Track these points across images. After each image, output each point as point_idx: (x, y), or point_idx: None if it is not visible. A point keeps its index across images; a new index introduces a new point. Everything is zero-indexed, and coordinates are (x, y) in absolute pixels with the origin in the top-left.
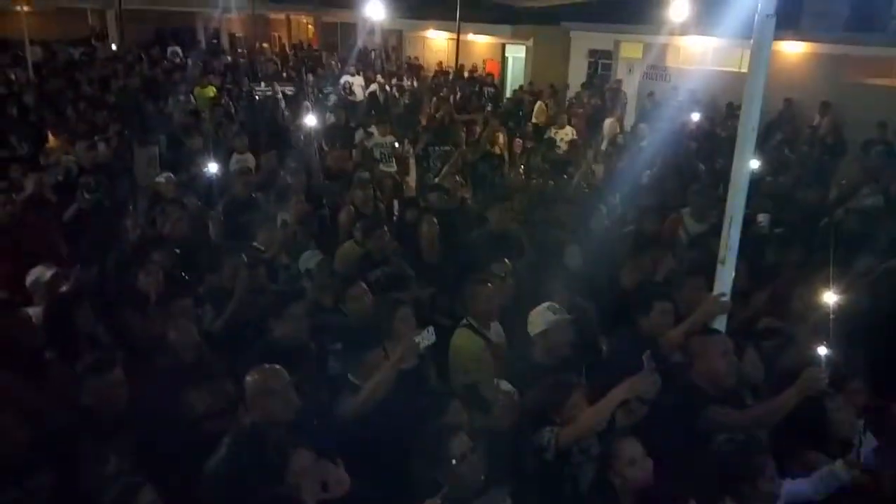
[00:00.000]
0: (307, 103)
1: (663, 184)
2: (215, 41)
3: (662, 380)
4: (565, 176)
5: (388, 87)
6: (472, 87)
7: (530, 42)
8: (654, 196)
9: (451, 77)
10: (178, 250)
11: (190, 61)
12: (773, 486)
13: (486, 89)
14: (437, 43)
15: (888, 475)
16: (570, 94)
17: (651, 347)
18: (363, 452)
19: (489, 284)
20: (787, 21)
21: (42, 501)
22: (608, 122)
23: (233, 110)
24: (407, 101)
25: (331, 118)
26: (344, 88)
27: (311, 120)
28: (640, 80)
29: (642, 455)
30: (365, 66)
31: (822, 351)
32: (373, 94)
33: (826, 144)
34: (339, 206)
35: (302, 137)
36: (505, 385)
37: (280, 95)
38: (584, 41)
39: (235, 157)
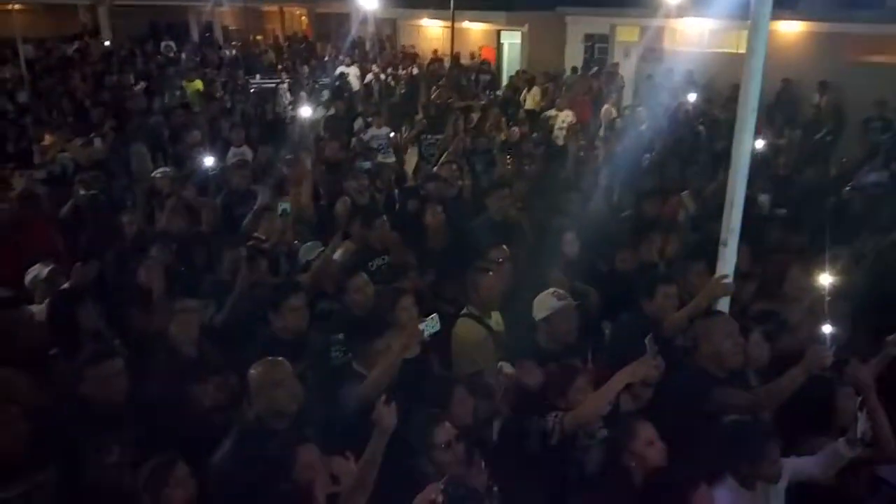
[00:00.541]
0: (303, 94)
1: (662, 167)
2: (208, 34)
3: (666, 363)
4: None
5: (382, 77)
6: (468, 76)
7: (525, 28)
8: (654, 179)
9: (444, 64)
10: (176, 244)
11: (184, 55)
12: (776, 467)
13: (481, 77)
14: (431, 31)
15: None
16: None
17: (654, 331)
18: (365, 442)
19: (490, 273)
20: (784, 0)
21: (48, 494)
22: (605, 107)
23: (228, 104)
24: (403, 91)
25: (331, 109)
26: (339, 79)
27: (307, 111)
28: (637, 64)
29: (657, 437)
30: (360, 56)
31: (827, 329)
32: (368, 84)
33: (826, 123)
34: (337, 197)
35: (298, 129)
36: (507, 367)
37: (286, 89)
38: (579, 26)
39: (232, 150)
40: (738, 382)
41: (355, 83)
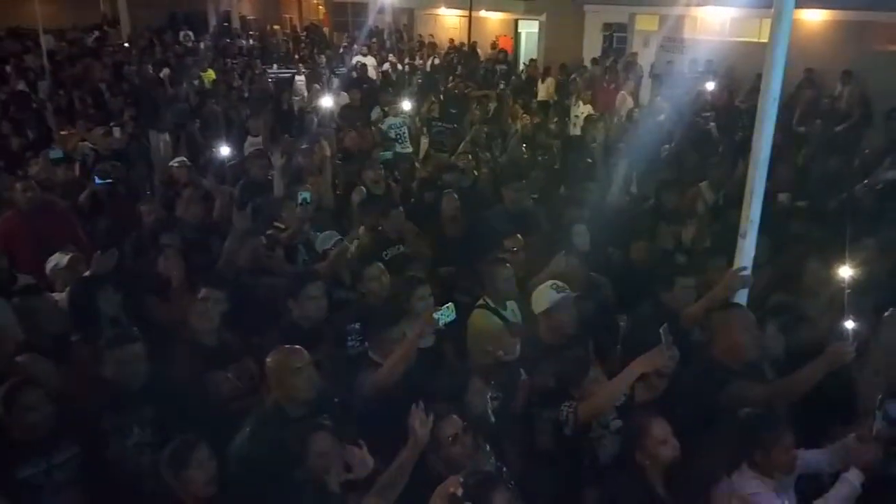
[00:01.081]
0: (317, 85)
1: (681, 157)
2: (226, 24)
3: (682, 354)
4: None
5: (399, 66)
6: (487, 65)
7: (543, 17)
8: (673, 170)
9: (459, 54)
10: (194, 233)
11: (202, 45)
12: (790, 455)
13: (498, 66)
14: (449, 20)
15: None
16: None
17: (671, 322)
18: (383, 431)
19: (506, 264)
20: None
21: (71, 473)
22: (620, 94)
23: (245, 94)
24: (420, 80)
25: (344, 98)
26: (356, 69)
27: (326, 101)
28: (657, 52)
29: (670, 433)
30: (377, 45)
31: (849, 324)
32: (386, 72)
33: (848, 115)
34: (353, 187)
35: (316, 119)
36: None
37: (303, 80)
38: (598, 15)
39: (249, 139)
40: (753, 375)
41: (373, 73)
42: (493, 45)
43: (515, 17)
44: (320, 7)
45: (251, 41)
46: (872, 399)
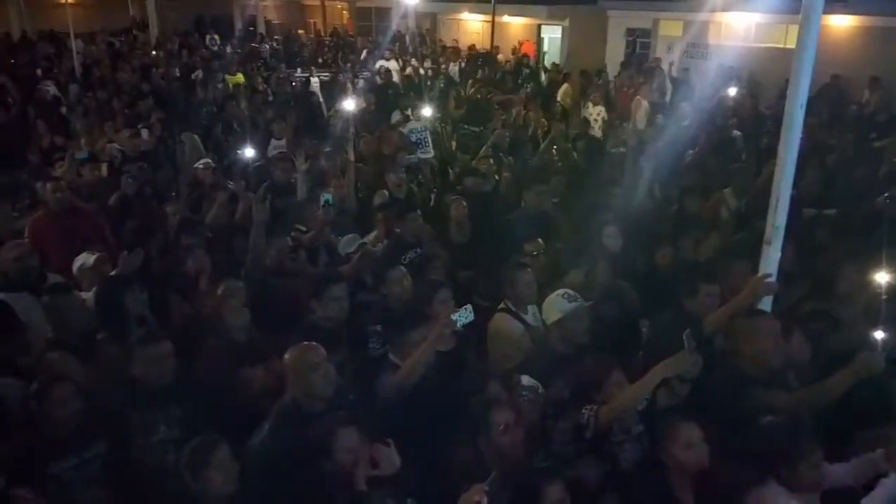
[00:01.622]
0: (342, 89)
1: (704, 163)
2: (251, 28)
3: (705, 360)
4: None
5: (421, 71)
6: (508, 70)
7: (566, 22)
8: (696, 176)
9: (478, 59)
10: (220, 233)
11: (228, 48)
12: (817, 471)
13: (523, 69)
14: (471, 25)
15: None
16: (611, 74)
17: (693, 328)
18: (404, 432)
19: (528, 269)
20: None
21: (97, 469)
22: (636, 99)
23: (270, 97)
24: (442, 85)
25: (366, 103)
26: (379, 73)
27: (348, 105)
28: (680, 58)
29: (700, 439)
30: (400, 50)
31: (879, 334)
32: (408, 76)
33: (876, 122)
34: (374, 190)
35: (339, 123)
36: (526, 380)
37: (317, 85)
38: (621, 20)
39: (273, 142)
40: (777, 383)
41: (396, 77)
42: (515, 50)
43: (538, 22)
44: (344, 12)
45: (276, 45)
46: None
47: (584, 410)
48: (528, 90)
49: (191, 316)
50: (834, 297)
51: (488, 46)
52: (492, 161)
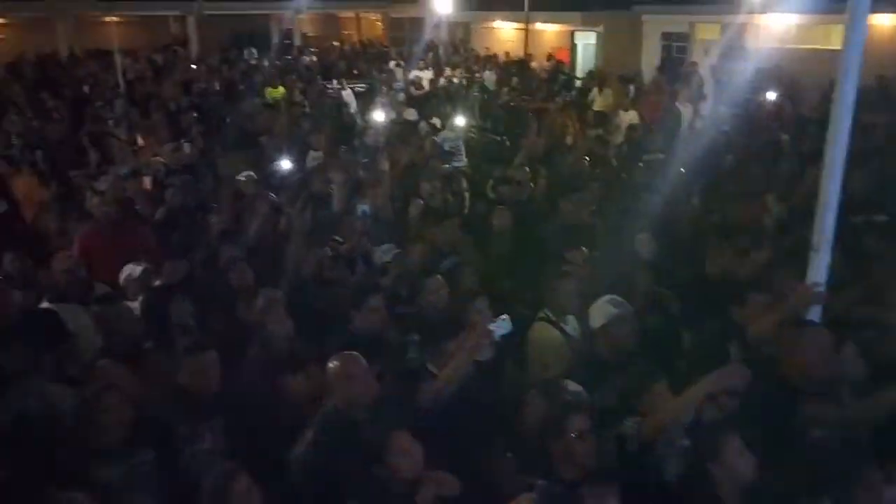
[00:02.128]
0: (376, 100)
1: (745, 168)
2: (287, 42)
3: (752, 373)
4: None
5: (455, 80)
6: (541, 78)
7: (601, 28)
8: (736, 181)
9: (514, 66)
10: (262, 244)
11: (266, 62)
12: (877, 495)
13: (560, 76)
14: (504, 33)
15: None
16: (647, 78)
17: (739, 338)
18: (443, 442)
19: (571, 279)
20: None
21: (145, 476)
22: (664, 104)
23: (307, 109)
24: (477, 93)
25: (400, 114)
26: (413, 84)
27: (380, 116)
28: (718, 62)
29: (747, 451)
30: (433, 60)
31: None
32: (443, 87)
33: None
34: (409, 200)
35: (371, 133)
36: (572, 385)
37: (349, 95)
38: (657, 24)
39: (311, 154)
40: (827, 396)
41: (428, 87)
42: (550, 57)
43: (572, 28)
44: (378, 23)
45: (312, 58)
46: None
47: (627, 422)
48: (567, 97)
49: (234, 325)
50: (885, 306)
51: (521, 54)
52: (527, 169)
